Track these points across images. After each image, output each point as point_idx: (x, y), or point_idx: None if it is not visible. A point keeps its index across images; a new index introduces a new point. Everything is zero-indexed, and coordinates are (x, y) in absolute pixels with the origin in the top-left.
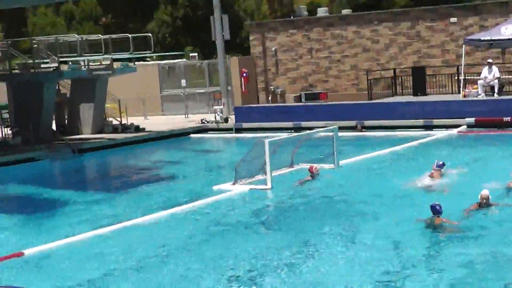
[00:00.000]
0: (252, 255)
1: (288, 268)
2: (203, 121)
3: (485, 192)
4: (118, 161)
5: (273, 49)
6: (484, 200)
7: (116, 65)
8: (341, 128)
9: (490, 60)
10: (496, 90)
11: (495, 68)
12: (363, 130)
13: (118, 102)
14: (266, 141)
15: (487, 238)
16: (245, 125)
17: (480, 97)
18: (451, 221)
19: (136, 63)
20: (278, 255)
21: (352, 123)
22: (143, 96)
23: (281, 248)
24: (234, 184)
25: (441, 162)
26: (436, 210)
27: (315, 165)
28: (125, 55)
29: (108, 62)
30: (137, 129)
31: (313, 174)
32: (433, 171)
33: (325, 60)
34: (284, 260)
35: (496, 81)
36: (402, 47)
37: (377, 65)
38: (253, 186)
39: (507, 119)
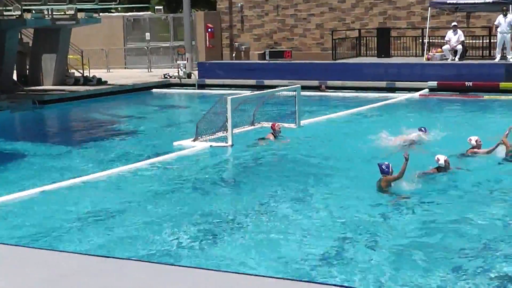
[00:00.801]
0: (207, 212)
1: (242, 227)
2: (166, 76)
3: (441, 156)
4: (79, 114)
5: (239, 5)
6: (442, 164)
7: (80, 15)
8: (304, 88)
9: (455, 24)
10: (458, 55)
11: (460, 32)
12: (327, 90)
13: (81, 54)
14: (229, 98)
15: (440, 203)
16: (208, 81)
17: (449, 61)
18: (396, 176)
19: (101, 14)
20: (234, 213)
21: (315, 82)
22: (106, 49)
23: (237, 206)
24: (194, 140)
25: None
26: (382, 170)
27: (277, 123)
28: (90, 6)
29: (73, 12)
30: (100, 82)
31: (274, 132)
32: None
33: (291, 18)
34: (239, 219)
35: (460, 45)
36: (368, 7)
37: (342, 25)
38: (213, 143)
39: (469, 84)
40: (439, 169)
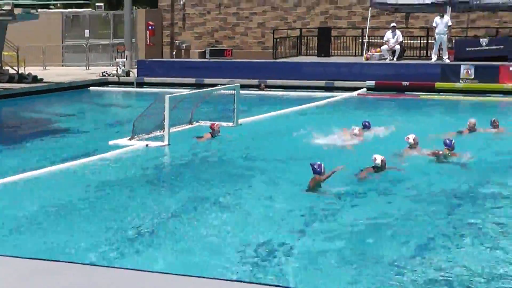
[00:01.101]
0: (142, 212)
1: (177, 227)
2: (104, 73)
3: (378, 156)
4: (13, 112)
5: (181, 2)
6: (378, 164)
7: (17, 11)
8: (244, 86)
9: (394, 24)
10: (396, 55)
11: (398, 32)
12: (266, 89)
13: (17, 51)
14: (167, 96)
15: (375, 202)
16: (147, 79)
17: (387, 61)
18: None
19: (39, 10)
20: (169, 213)
21: (255, 81)
22: (43, 45)
23: (172, 207)
24: (131, 139)
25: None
26: (314, 169)
27: (216, 123)
28: (28, 1)
29: (9, 8)
30: (35, 79)
31: (213, 132)
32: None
33: (233, 17)
34: (174, 219)
35: (398, 46)
36: (310, 6)
37: (284, 24)
38: (150, 142)
39: (406, 83)
40: (375, 168)
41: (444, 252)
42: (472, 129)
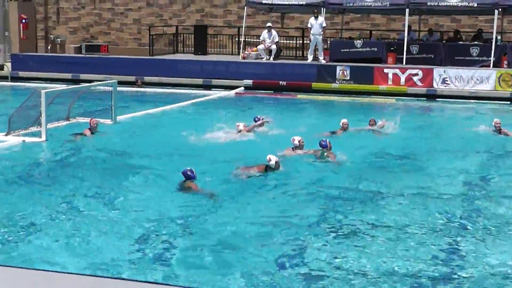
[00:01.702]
0: (17, 209)
1: (51, 225)
2: None
3: (272, 156)
4: None
5: None
6: (272, 165)
7: None
8: (121, 83)
9: (269, 24)
10: (272, 55)
11: (274, 32)
12: (143, 86)
13: None
14: (43, 91)
15: (258, 202)
16: (22, 73)
17: (264, 60)
18: (202, 189)
19: None
20: (44, 210)
21: (132, 78)
22: None
23: (46, 204)
24: (7, 135)
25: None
26: (187, 176)
27: (94, 119)
28: None
29: None
30: None
31: (91, 128)
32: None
33: (108, 12)
34: (49, 216)
35: (275, 45)
36: (185, 4)
37: (160, 21)
38: (27, 138)
39: (283, 83)
40: (267, 168)
41: (313, 249)
42: (345, 129)
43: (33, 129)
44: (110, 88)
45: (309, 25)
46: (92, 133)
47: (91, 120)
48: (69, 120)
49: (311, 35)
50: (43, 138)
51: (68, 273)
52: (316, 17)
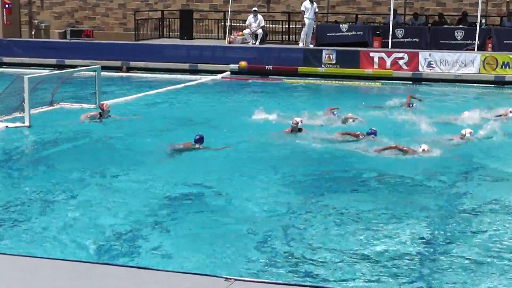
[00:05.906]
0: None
1: (35, 210)
2: None
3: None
4: None
5: None
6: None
7: None
8: (106, 68)
9: (255, 9)
10: (259, 39)
11: (260, 17)
12: (129, 71)
13: None
14: (26, 77)
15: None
16: (6, 59)
17: (250, 44)
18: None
19: None
20: (29, 196)
21: (117, 63)
22: None
23: (31, 189)
24: None
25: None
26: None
27: (105, 102)
28: None
29: None
30: None
31: (104, 112)
32: None
33: None
34: (34, 203)
35: (261, 30)
36: None
37: (145, 5)
38: (10, 124)
39: (269, 67)
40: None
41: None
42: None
43: (17, 114)
44: (94, 73)
45: (302, 8)
46: (102, 117)
47: (102, 104)
48: (53, 106)
49: (305, 18)
50: (27, 123)
51: (54, 259)
52: (312, 1)
